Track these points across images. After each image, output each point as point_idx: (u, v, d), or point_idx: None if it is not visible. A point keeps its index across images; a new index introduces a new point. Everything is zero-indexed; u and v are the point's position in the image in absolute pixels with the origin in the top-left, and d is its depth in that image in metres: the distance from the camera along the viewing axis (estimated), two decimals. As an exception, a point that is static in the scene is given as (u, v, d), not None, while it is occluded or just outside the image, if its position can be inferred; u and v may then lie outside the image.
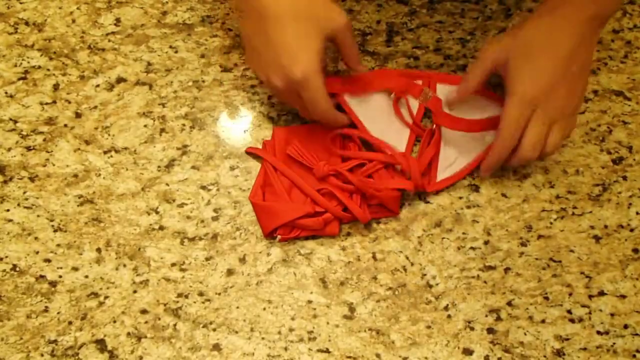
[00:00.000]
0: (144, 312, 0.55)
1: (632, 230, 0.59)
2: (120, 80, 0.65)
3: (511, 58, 0.54)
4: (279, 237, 0.57)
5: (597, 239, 0.58)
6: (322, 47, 0.53)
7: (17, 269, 0.57)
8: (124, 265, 0.57)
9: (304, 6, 0.52)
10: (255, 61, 0.56)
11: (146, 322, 0.55)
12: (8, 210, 0.59)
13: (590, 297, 0.56)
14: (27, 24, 0.67)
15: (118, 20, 0.67)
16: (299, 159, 0.58)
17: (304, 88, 0.53)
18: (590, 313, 0.56)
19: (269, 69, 0.54)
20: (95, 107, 0.63)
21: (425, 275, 0.57)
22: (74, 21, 0.67)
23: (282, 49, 0.51)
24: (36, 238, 0.58)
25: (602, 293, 0.56)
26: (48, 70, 0.65)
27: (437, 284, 0.57)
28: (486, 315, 0.55)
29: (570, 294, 0.56)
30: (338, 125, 0.58)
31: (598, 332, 0.55)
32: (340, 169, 0.57)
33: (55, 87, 0.64)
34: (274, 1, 0.52)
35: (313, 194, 0.57)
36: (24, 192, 0.59)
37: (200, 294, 0.56)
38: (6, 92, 0.64)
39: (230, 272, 0.57)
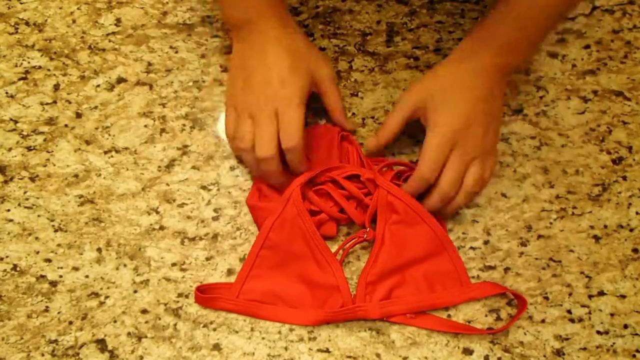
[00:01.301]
0: (144, 312, 0.55)
1: (631, 230, 0.59)
2: (120, 80, 0.65)
3: (429, 100, 0.55)
4: None
5: (596, 239, 0.59)
6: (308, 87, 0.56)
7: (18, 268, 0.57)
8: (125, 265, 0.57)
9: (301, 48, 0.57)
10: (245, 80, 0.56)
11: (146, 322, 0.55)
12: (9, 210, 0.59)
13: (590, 297, 0.56)
14: (27, 24, 0.67)
15: (118, 20, 0.67)
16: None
17: (286, 109, 0.54)
18: (590, 313, 0.56)
19: (259, 87, 0.55)
20: (96, 107, 0.63)
21: (425, 275, 0.57)
22: (74, 21, 0.67)
23: (276, 74, 0.55)
24: (37, 238, 0.58)
25: (601, 293, 0.56)
26: (48, 70, 0.65)
27: (437, 284, 0.57)
28: (486, 315, 0.56)
29: (570, 294, 0.56)
30: (301, 166, 0.56)
31: (598, 332, 0.55)
32: (336, 176, 0.57)
33: (56, 87, 0.64)
34: (277, 36, 0.56)
35: (308, 194, 0.57)
36: (25, 192, 0.59)
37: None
38: (7, 92, 0.64)
39: (230, 272, 0.57)
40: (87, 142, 0.62)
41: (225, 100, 0.62)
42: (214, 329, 0.55)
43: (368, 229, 0.56)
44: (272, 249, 0.56)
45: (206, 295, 0.55)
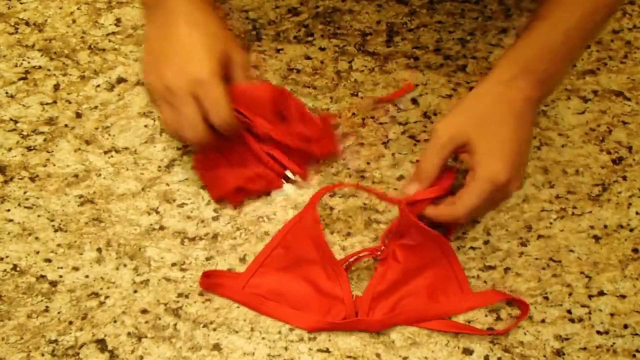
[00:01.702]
0: (144, 312, 0.55)
1: (631, 230, 0.59)
2: (120, 80, 0.65)
3: (471, 141, 0.52)
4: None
5: (596, 239, 0.59)
6: (221, 60, 0.54)
7: (18, 268, 0.57)
8: (125, 265, 0.57)
9: (212, 27, 0.56)
10: (157, 62, 0.55)
11: (146, 322, 0.55)
12: (9, 210, 0.59)
13: (590, 297, 0.56)
14: (27, 24, 0.67)
15: (118, 20, 0.67)
16: (240, 120, 0.56)
17: (208, 89, 0.53)
18: (590, 313, 0.56)
19: (172, 69, 0.54)
20: (96, 107, 0.63)
21: (425, 275, 0.57)
22: (74, 21, 0.67)
23: (191, 53, 0.53)
24: (37, 238, 0.58)
25: (601, 293, 0.56)
26: (48, 70, 0.65)
27: (437, 284, 0.57)
28: (486, 315, 0.55)
29: (570, 294, 0.56)
30: (236, 133, 0.56)
31: (598, 332, 0.55)
32: (275, 134, 0.57)
33: (56, 87, 0.64)
34: (186, 16, 0.55)
35: (257, 151, 0.58)
36: (25, 192, 0.60)
37: (201, 293, 0.56)
38: (7, 92, 0.64)
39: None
40: (87, 142, 0.62)
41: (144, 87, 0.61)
42: (214, 329, 0.55)
43: (383, 247, 0.56)
44: (285, 249, 0.56)
45: (212, 280, 0.55)
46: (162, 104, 0.55)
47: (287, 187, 0.60)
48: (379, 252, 0.56)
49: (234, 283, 0.55)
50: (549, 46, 0.53)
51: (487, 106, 0.53)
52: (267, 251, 0.56)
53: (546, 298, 0.56)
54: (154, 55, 0.56)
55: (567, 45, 0.53)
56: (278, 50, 0.66)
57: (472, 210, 0.52)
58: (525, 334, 0.55)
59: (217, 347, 0.54)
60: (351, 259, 0.56)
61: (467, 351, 0.54)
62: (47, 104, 0.63)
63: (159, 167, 0.61)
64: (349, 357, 0.54)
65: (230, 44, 0.57)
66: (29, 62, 0.65)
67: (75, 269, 0.57)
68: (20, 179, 0.60)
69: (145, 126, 0.63)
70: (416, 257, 0.55)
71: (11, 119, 0.63)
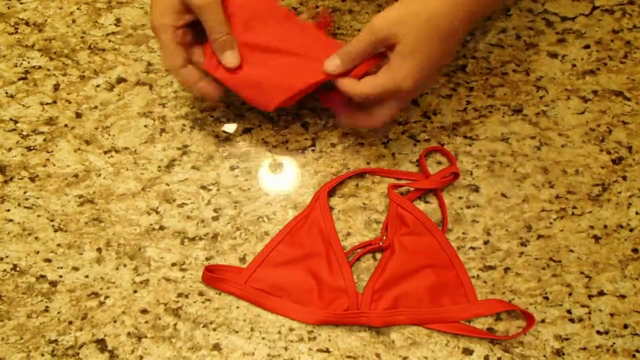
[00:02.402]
0: (144, 312, 0.55)
1: (631, 230, 0.59)
2: (120, 80, 0.65)
3: (400, 41, 0.51)
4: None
5: (596, 239, 0.59)
6: (177, 7, 0.53)
7: (18, 268, 0.57)
8: (124, 265, 0.57)
9: None
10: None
11: (146, 322, 0.55)
12: (8, 210, 0.59)
13: (589, 297, 0.56)
14: (27, 24, 0.67)
15: (118, 20, 0.67)
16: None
17: (156, 36, 0.54)
18: (589, 313, 0.56)
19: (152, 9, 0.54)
20: (96, 107, 0.63)
21: (425, 275, 0.57)
22: (74, 21, 0.67)
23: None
24: (36, 238, 0.58)
25: (601, 293, 0.56)
26: (48, 70, 0.65)
27: (437, 284, 0.57)
28: (486, 316, 0.55)
29: (570, 294, 0.56)
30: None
31: (598, 332, 0.55)
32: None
33: (56, 87, 0.64)
34: None
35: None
36: (25, 192, 0.59)
37: (201, 293, 0.56)
38: (7, 92, 0.64)
39: (230, 272, 0.57)
40: (87, 142, 0.62)
41: None
42: (214, 329, 0.55)
43: (384, 237, 0.57)
44: (289, 244, 0.56)
45: (214, 275, 0.55)
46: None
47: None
48: (380, 243, 0.57)
49: (236, 278, 0.55)
50: None
51: (423, 9, 0.52)
52: (269, 248, 0.56)
53: (546, 298, 0.56)
54: None
55: None
56: (278, 50, 0.66)
57: (367, 96, 0.52)
58: (525, 334, 0.55)
59: (217, 347, 0.54)
60: (356, 251, 0.57)
61: (467, 351, 0.54)
62: (47, 104, 0.63)
63: (159, 167, 0.61)
64: (349, 357, 0.54)
65: None
66: (29, 62, 0.65)
67: (75, 269, 0.57)
68: (20, 179, 0.60)
69: (145, 126, 0.63)
70: (414, 247, 0.56)
71: (11, 119, 0.63)
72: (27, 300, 0.55)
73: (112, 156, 0.61)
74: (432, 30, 0.51)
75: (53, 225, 0.58)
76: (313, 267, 0.56)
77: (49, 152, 0.61)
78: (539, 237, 0.59)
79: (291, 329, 0.55)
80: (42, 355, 0.53)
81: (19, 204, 0.59)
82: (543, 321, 0.55)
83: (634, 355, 0.54)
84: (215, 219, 0.59)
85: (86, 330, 0.54)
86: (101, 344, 0.54)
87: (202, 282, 0.56)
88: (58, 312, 0.55)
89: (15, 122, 0.63)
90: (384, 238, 0.57)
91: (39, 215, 0.59)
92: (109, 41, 0.66)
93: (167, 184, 0.60)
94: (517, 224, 0.59)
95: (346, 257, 0.56)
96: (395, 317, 0.54)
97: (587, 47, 0.66)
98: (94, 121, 0.63)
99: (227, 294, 0.56)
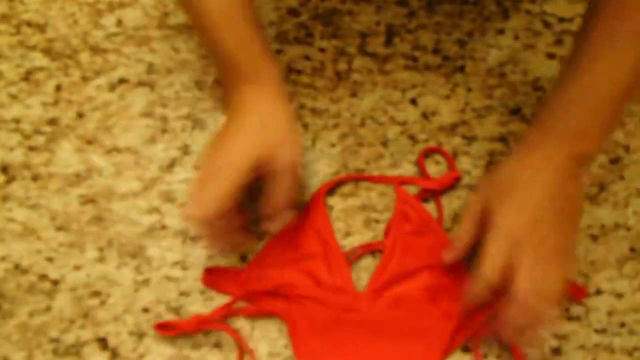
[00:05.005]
0: (145, 310, 0.55)
1: (629, 229, 0.59)
2: (122, 81, 0.65)
3: (493, 196, 0.50)
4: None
5: (594, 238, 0.59)
6: (248, 168, 0.50)
7: (20, 268, 0.57)
8: (126, 264, 0.57)
9: (267, 116, 0.52)
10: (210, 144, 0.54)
11: (148, 321, 0.55)
12: (11, 209, 0.59)
13: (587, 295, 0.57)
14: (29, 25, 0.68)
15: (120, 21, 0.68)
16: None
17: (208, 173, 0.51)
18: (587, 311, 0.56)
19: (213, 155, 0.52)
20: (97, 107, 0.64)
21: (424, 274, 0.57)
22: (75, 22, 0.68)
23: (230, 148, 0.51)
24: (38, 237, 0.58)
25: (599, 292, 0.57)
26: (50, 71, 0.65)
27: (436, 283, 0.57)
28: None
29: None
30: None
31: (595, 331, 0.55)
32: None
33: (58, 87, 0.65)
34: (249, 102, 0.53)
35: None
36: (27, 192, 0.60)
37: (202, 292, 0.56)
38: (9, 93, 0.64)
39: (231, 271, 0.57)
40: (89, 142, 0.62)
41: None
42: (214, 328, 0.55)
43: (385, 241, 0.57)
44: (288, 245, 0.57)
45: (214, 277, 0.56)
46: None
47: None
48: (381, 245, 0.57)
49: (236, 279, 0.56)
50: (576, 92, 0.50)
51: (512, 171, 0.51)
52: (270, 247, 0.57)
53: (544, 297, 0.57)
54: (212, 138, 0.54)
55: (602, 84, 0.48)
56: (278, 51, 0.67)
57: (493, 263, 0.48)
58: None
59: (217, 345, 0.54)
60: (354, 253, 0.57)
61: (467, 349, 0.54)
62: (48, 104, 0.64)
63: (160, 166, 0.61)
64: (349, 355, 0.54)
65: (275, 144, 0.51)
66: (30, 63, 0.66)
67: (77, 268, 0.57)
68: (22, 178, 0.60)
69: (147, 126, 0.63)
70: (417, 246, 0.56)
71: (13, 119, 0.63)
72: (29, 299, 0.56)
73: (113, 156, 0.61)
74: (522, 180, 0.50)
75: (55, 225, 0.59)
76: (311, 269, 0.56)
77: (50, 152, 0.62)
78: (537, 236, 0.59)
79: (291, 328, 0.55)
80: (44, 353, 0.54)
81: (21, 204, 0.59)
82: (541, 319, 0.56)
83: (631, 354, 0.54)
84: (216, 218, 0.59)
85: (88, 328, 0.55)
86: (103, 343, 0.54)
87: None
88: (60, 311, 0.55)
89: (18, 122, 0.63)
90: (384, 242, 0.57)
91: (40, 215, 0.59)
92: (111, 42, 0.67)
93: (169, 184, 0.60)
94: (515, 223, 0.59)
95: (345, 256, 0.56)
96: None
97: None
98: (96, 121, 0.63)
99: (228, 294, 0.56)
